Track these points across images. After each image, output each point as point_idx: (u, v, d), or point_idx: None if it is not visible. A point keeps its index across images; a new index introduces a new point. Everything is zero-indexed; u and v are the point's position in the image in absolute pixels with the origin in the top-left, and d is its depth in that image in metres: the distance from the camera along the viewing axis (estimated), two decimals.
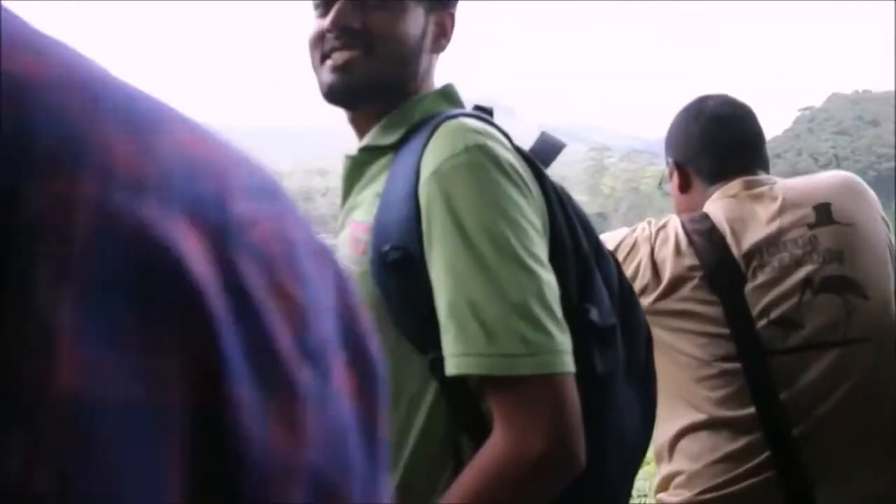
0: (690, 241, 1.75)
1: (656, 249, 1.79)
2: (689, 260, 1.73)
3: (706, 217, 1.80)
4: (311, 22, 1.27)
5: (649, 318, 1.52)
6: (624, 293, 1.23)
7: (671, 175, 2.06)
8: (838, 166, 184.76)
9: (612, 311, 1.09)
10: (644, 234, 1.84)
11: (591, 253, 1.13)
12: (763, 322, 1.68)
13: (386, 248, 1.02)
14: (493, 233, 0.92)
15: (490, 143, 1.09)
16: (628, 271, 1.69)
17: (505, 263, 0.91)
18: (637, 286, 1.68)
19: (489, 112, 1.44)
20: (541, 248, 0.96)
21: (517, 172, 1.03)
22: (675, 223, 1.82)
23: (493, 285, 0.90)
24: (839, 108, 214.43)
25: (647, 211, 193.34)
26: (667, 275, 1.74)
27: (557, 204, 1.12)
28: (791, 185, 1.95)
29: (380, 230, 1.06)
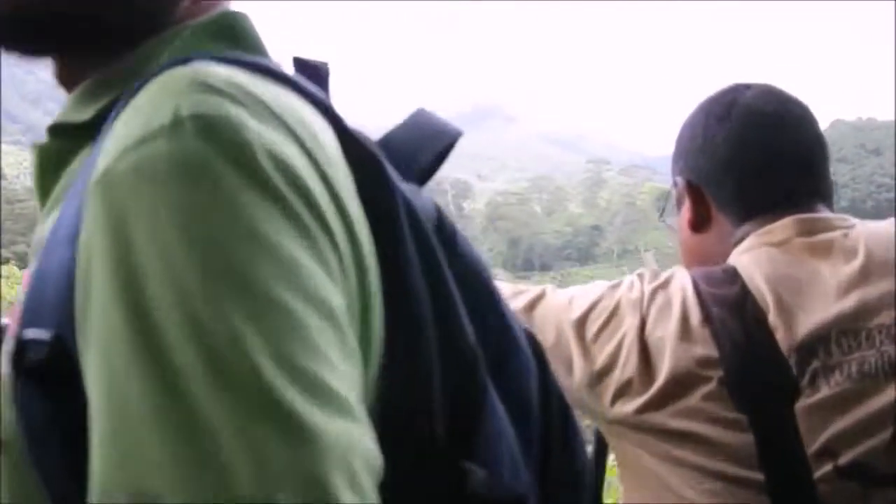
0: (707, 316, 1.12)
1: (650, 323, 1.15)
2: (703, 348, 1.10)
3: (734, 276, 1.17)
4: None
5: (629, 436, 1.13)
6: (551, 424, 0.64)
7: (679, 203, 1.40)
8: (838, 194, 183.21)
9: (522, 466, 0.55)
10: (632, 296, 1.20)
11: (482, 347, 0.55)
12: (825, 469, 1.02)
13: (28, 335, 0.50)
14: (202, 320, 0.41)
15: (234, 112, 0.45)
16: (601, 355, 1.15)
17: (220, 398, 0.40)
18: (614, 382, 1.13)
19: (313, 70, 0.75)
20: (337, 353, 0.44)
21: (291, 178, 0.46)
22: (682, 282, 1.18)
23: (188, 451, 0.39)
24: (841, 135, 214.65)
25: (644, 225, 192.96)
26: (664, 369, 1.10)
27: (411, 245, 0.54)
28: (876, 231, 1.24)
29: (31, 297, 0.53)
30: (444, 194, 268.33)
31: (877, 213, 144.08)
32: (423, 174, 0.74)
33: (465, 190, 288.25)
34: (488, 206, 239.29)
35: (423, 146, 0.75)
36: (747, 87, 1.36)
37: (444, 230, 0.70)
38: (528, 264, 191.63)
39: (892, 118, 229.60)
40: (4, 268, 8.68)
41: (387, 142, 0.68)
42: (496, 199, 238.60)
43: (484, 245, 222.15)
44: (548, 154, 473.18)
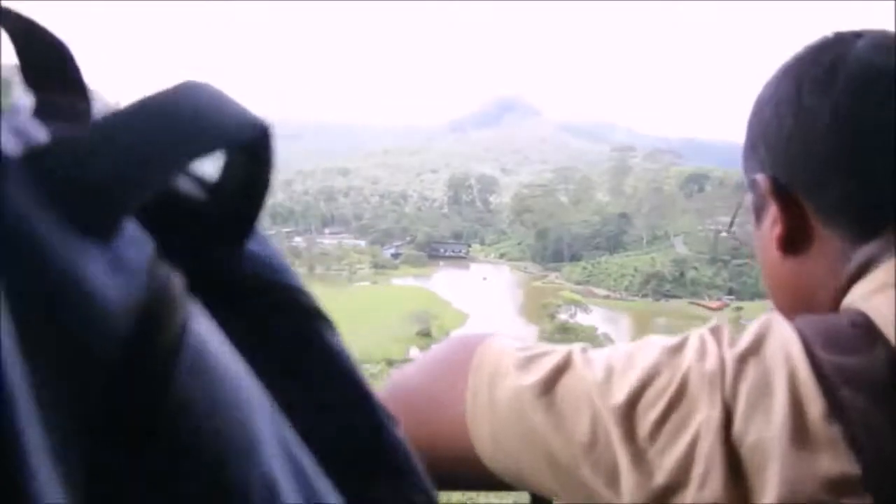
0: (834, 405, 0.66)
1: (739, 416, 0.69)
2: (833, 459, 0.65)
3: (870, 333, 0.71)
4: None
5: None
6: None
7: (760, 212, 0.97)
8: None
9: None
10: (706, 367, 0.73)
11: None
12: None
13: None
14: None
15: None
16: (664, 464, 0.70)
17: None
18: (690, 495, 0.68)
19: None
20: None
21: None
22: (785, 343, 0.72)
23: None
24: None
25: (672, 210, 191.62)
26: (770, 492, 0.65)
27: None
28: None
29: None
30: (469, 190, 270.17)
31: None
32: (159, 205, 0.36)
33: (491, 184, 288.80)
34: (514, 200, 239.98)
35: (155, 156, 0.37)
36: (857, 35, 0.87)
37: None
38: (557, 255, 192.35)
39: None
40: None
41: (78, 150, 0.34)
42: (522, 191, 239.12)
43: (512, 239, 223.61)
44: (571, 144, 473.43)
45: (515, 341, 0.82)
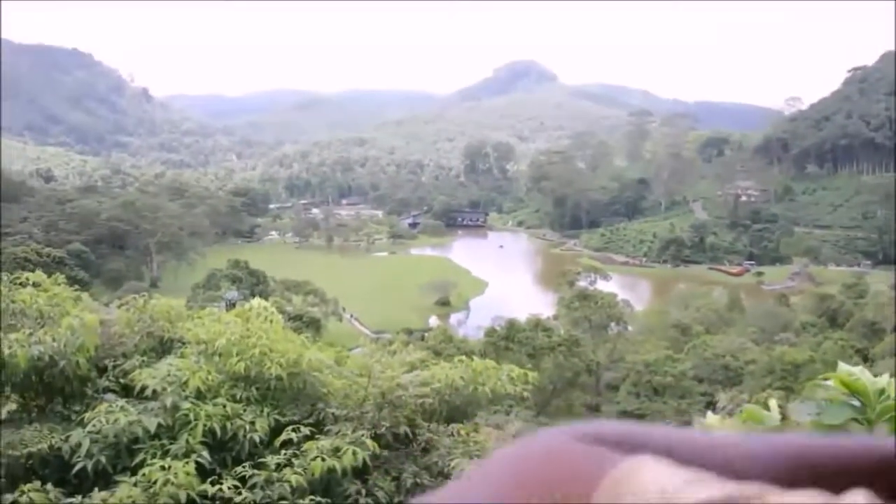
0: None
1: None
2: None
3: None
4: None
5: None
6: None
7: None
8: (891, 130, 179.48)
9: None
10: None
11: None
12: None
13: None
14: None
15: None
16: None
17: None
18: None
19: None
20: None
21: None
22: None
23: None
24: (893, 68, 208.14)
25: (690, 175, 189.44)
26: None
27: None
28: None
29: None
30: (485, 158, 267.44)
31: None
32: None
33: (507, 152, 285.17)
34: (531, 167, 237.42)
35: None
36: None
37: None
38: (575, 222, 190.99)
39: None
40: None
41: None
42: (539, 158, 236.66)
43: (529, 206, 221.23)
44: (587, 110, 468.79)
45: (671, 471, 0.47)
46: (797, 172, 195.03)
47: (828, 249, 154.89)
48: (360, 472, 6.40)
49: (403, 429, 7.11)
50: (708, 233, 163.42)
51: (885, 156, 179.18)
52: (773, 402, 3.98)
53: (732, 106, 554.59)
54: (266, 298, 9.93)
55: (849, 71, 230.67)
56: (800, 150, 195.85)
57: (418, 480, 6.64)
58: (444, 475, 6.60)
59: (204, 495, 5.63)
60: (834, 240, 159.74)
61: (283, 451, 6.22)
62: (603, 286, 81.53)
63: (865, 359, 63.72)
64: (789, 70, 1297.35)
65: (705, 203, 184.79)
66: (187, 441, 6.14)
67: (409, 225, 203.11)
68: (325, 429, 6.80)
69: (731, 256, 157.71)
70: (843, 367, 3.63)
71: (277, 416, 6.81)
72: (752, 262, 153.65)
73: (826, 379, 3.81)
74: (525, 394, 8.38)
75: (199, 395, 6.72)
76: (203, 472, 5.93)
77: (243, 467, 5.99)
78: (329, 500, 5.97)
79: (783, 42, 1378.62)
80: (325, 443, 6.29)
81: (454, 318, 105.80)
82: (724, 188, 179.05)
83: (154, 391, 6.60)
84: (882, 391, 3.43)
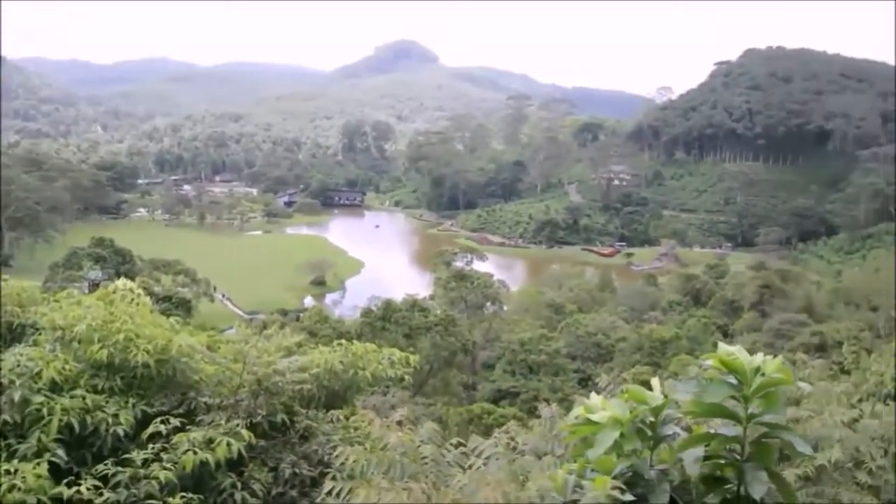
0: None
1: None
2: None
3: None
4: None
5: None
6: None
7: None
8: (751, 121, 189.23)
9: None
10: None
11: None
12: None
13: None
14: None
15: None
16: None
17: None
18: None
19: None
20: None
21: None
22: None
23: None
24: (754, 63, 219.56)
25: (566, 159, 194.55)
26: None
27: None
28: None
29: None
30: (364, 137, 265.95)
31: (787, 139, 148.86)
32: None
33: (386, 132, 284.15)
34: (410, 147, 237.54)
35: None
36: None
37: None
38: (452, 203, 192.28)
39: (801, 47, 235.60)
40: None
41: None
42: (418, 139, 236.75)
43: (407, 187, 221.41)
44: (467, 92, 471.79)
45: None
46: (666, 158, 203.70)
47: (693, 232, 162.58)
48: (236, 464, 6.02)
49: (281, 417, 6.76)
50: (582, 215, 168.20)
51: (745, 145, 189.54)
52: (655, 382, 3.92)
53: (608, 93, 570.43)
54: (133, 279, 9.35)
55: (715, 64, 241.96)
56: (669, 137, 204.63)
57: (297, 470, 6.33)
58: (323, 463, 6.31)
59: (58, 499, 5.10)
60: (699, 223, 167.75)
61: (150, 446, 5.70)
62: (479, 266, 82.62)
63: (725, 334, 67.30)
64: (662, 60, 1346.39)
65: (580, 186, 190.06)
66: (39, 439, 5.55)
67: (285, 203, 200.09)
68: (197, 419, 6.36)
69: (603, 238, 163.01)
70: (722, 346, 3.63)
71: (144, 408, 6.29)
72: (623, 244, 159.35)
73: (706, 359, 3.79)
74: (406, 377, 8.20)
75: (55, 388, 6.11)
76: (58, 473, 5.38)
77: (105, 465, 5.44)
78: (202, 496, 5.56)
79: (657, 33, 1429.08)
80: (196, 434, 5.87)
81: (330, 298, 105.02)
82: (597, 172, 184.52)
83: (0, 384, 6.00)
84: (758, 369, 3.45)
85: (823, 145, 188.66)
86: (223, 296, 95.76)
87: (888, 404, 7.75)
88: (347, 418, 7.53)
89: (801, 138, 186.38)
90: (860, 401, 8.37)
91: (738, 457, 3.52)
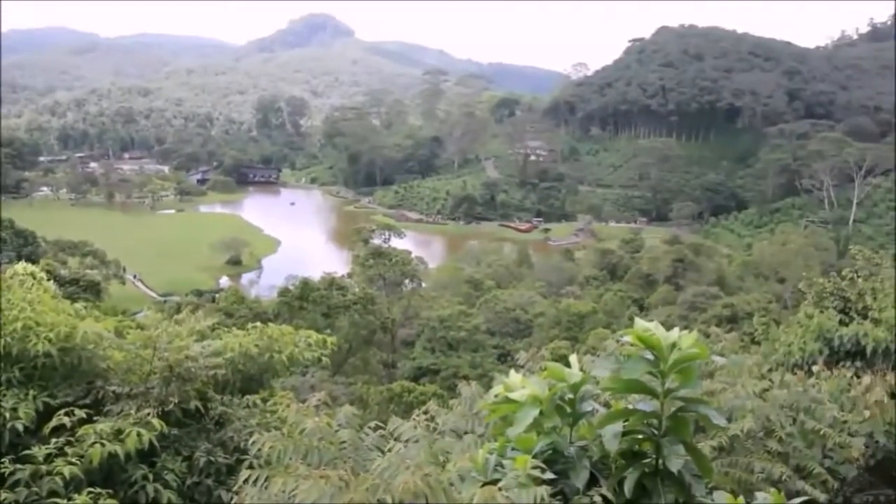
0: None
1: None
2: None
3: None
4: None
5: None
6: None
7: None
8: (665, 97, 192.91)
9: None
10: None
11: None
12: None
13: None
14: None
15: None
16: None
17: None
18: None
19: None
20: None
21: None
22: None
23: None
24: (667, 41, 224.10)
25: (483, 135, 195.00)
26: None
27: None
28: None
29: None
30: (278, 113, 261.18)
31: (700, 115, 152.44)
32: None
33: (301, 107, 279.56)
34: (326, 123, 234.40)
35: None
36: None
37: None
38: (369, 179, 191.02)
39: (712, 25, 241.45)
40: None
41: None
42: (333, 115, 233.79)
43: (323, 163, 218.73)
44: (382, 67, 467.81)
45: None
46: (582, 134, 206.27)
47: (609, 207, 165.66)
48: (147, 455, 5.82)
49: (194, 403, 6.57)
50: (499, 191, 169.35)
51: (658, 121, 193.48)
52: (573, 359, 3.93)
53: (524, 69, 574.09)
54: (36, 262, 8.91)
55: (629, 42, 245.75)
56: (585, 113, 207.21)
57: (212, 458, 6.17)
58: (240, 450, 6.15)
59: None
60: (614, 198, 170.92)
61: (53, 440, 5.42)
62: (397, 243, 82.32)
63: (641, 308, 68.92)
64: (577, 37, 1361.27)
65: (497, 162, 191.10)
66: None
67: (198, 181, 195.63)
68: (105, 409, 6.13)
69: (520, 213, 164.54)
70: (638, 322, 3.66)
71: (46, 399, 6.00)
72: (540, 219, 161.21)
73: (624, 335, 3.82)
74: (324, 358, 8.08)
75: None
76: None
77: (2, 463, 5.19)
78: (111, 491, 5.33)
79: (573, 9, 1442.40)
80: (104, 426, 5.63)
81: (246, 277, 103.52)
82: (514, 148, 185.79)
83: None
84: (674, 344, 3.50)
85: (733, 122, 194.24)
86: (135, 277, 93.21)
87: (795, 373, 8.00)
88: (265, 401, 7.39)
89: (712, 115, 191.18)
90: (770, 371, 8.63)
91: (656, 431, 3.57)
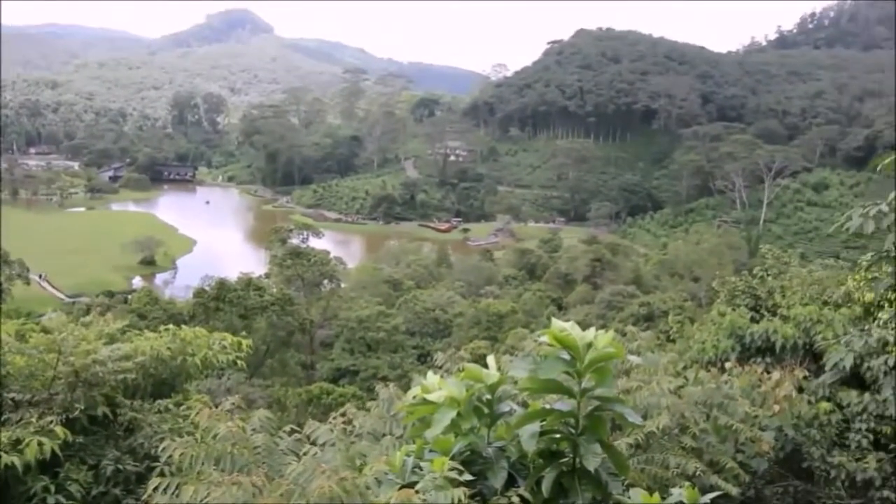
0: None
1: None
2: None
3: None
4: None
5: None
6: None
7: None
8: (583, 99, 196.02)
9: None
10: None
11: None
12: None
13: None
14: None
15: None
16: None
17: None
18: None
19: None
20: None
21: None
22: None
23: None
24: (585, 43, 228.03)
25: (403, 134, 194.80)
26: None
27: None
28: None
29: None
30: (195, 109, 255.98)
31: (617, 117, 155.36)
32: None
33: (219, 104, 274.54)
34: (244, 121, 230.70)
35: None
36: None
37: None
38: (288, 178, 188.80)
39: (628, 29, 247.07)
40: None
41: None
42: (252, 112, 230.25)
43: (241, 161, 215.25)
44: (301, 64, 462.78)
45: None
46: (501, 135, 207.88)
47: (528, 207, 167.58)
48: (50, 465, 5.57)
49: (102, 410, 6.33)
50: (418, 190, 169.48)
51: (577, 123, 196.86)
52: (490, 360, 3.93)
53: (444, 69, 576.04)
54: None
55: (548, 43, 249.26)
56: (504, 114, 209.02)
57: (121, 466, 5.94)
58: (150, 457, 5.94)
59: None
60: (533, 198, 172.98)
61: None
62: (316, 243, 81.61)
63: (560, 307, 69.88)
64: (497, 38, 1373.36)
65: (416, 162, 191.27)
66: None
67: (110, 178, 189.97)
68: (3, 418, 5.84)
69: (440, 213, 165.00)
70: (555, 322, 3.67)
71: None
72: (460, 219, 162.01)
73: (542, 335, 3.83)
74: (239, 361, 7.91)
75: None
76: None
77: None
78: None
79: (493, 10, 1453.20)
80: (2, 435, 5.36)
81: (160, 278, 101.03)
82: (434, 148, 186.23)
83: None
84: (590, 344, 3.53)
85: (649, 124, 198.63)
86: (41, 277, 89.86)
87: (709, 370, 8.21)
88: (179, 406, 7.18)
89: (628, 116, 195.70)
90: (685, 368, 8.83)
91: (573, 430, 3.59)
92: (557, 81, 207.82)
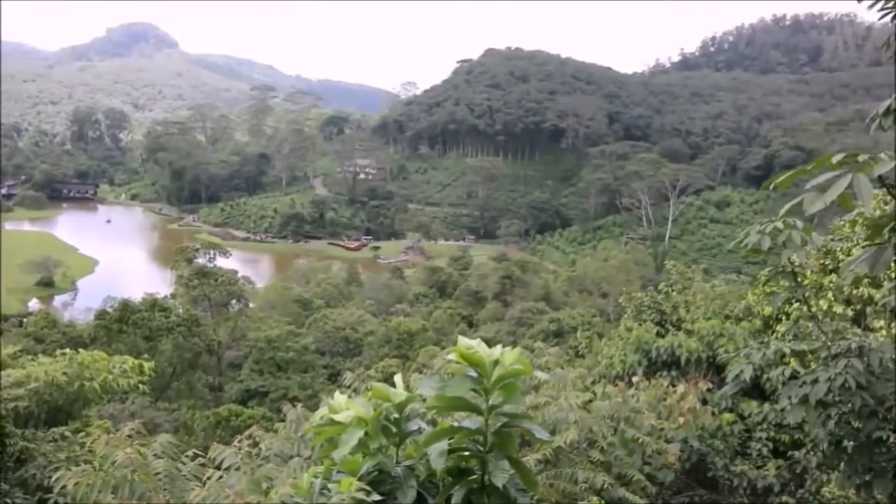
0: None
1: None
2: None
3: None
4: None
5: None
6: None
7: None
8: (492, 117, 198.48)
9: None
10: None
11: None
12: None
13: None
14: None
15: None
16: None
17: None
18: None
19: None
20: None
21: None
22: None
23: None
24: (494, 63, 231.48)
25: (311, 152, 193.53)
26: None
27: None
28: None
29: None
30: (96, 125, 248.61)
31: (525, 135, 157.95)
32: None
33: (121, 120, 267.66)
34: (147, 138, 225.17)
35: None
36: None
37: None
38: (194, 196, 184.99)
39: (536, 48, 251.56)
40: None
41: None
42: (156, 129, 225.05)
43: (145, 179, 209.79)
44: (208, 80, 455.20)
45: None
46: (411, 153, 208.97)
47: (437, 225, 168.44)
48: None
49: None
50: (328, 208, 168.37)
51: (486, 141, 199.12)
52: (398, 378, 3.92)
53: (354, 86, 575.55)
54: None
55: (457, 62, 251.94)
56: (414, 132, 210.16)
57: (9, 500, 5.64)
58: (43, 489, 5.66)
59: None
60: (443, 216, 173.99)
61: None
62: (223, 263, 79.92)
63: (471, 324, 70.32)
64: (407, 56, 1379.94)
65: (326, 179, 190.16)
66: None
67: (4, 196, 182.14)
68: None
69: (349, 231, 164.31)
70: (462, 340, 3.69)
71: None
72: (370, 237, 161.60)
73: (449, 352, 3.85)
74: (141, 384, 7.65)
75: None
76: None
77: None
78: None
79: (402, 28, 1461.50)
80: None
81: (59, 300, 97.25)
82: (343, 165, 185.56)
83: None
84: (497, 361, 3.57)
85: (557, 142, 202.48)
86: None
87: (617, 384, 8.37)
88: (77, 433, 6.88)
89: (537, 135, 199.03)
90: (593, 383, 9.00)
91: (482, 448, 3.60)
92: (467, 100, 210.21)
